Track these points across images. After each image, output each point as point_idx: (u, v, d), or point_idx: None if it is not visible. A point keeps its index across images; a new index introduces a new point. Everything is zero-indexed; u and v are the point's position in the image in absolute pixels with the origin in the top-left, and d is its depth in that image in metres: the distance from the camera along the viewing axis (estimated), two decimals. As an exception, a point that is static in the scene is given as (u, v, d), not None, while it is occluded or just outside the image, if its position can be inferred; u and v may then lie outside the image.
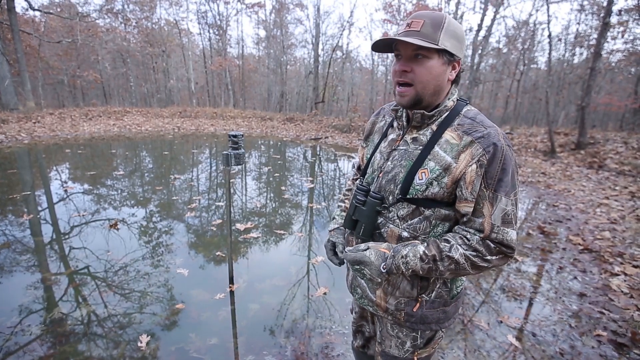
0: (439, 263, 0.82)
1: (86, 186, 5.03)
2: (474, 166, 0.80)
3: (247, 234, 3.52)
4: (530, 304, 2.50)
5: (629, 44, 15.01)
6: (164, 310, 2.26)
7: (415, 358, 1.02)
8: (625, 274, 2.89)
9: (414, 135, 0.92)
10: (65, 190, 4.75)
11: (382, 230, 0.94)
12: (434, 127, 0.89)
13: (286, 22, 22.36)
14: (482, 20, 12.89)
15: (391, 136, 0.99)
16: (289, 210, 4.46)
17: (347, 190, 1.24)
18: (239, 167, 6.38)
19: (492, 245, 0.81)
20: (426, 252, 0.83)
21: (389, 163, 0.94)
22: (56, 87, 23.39)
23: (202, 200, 4.65)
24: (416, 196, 0.87)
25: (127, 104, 23.27)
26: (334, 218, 1.22)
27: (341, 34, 19.63)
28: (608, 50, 15.42)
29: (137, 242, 3.26)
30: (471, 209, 0.82)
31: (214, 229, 3.64)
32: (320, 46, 19.45)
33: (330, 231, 1.18)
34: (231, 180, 5.82)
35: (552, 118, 10.25)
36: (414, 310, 0.95)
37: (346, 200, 1.22)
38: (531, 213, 4.73)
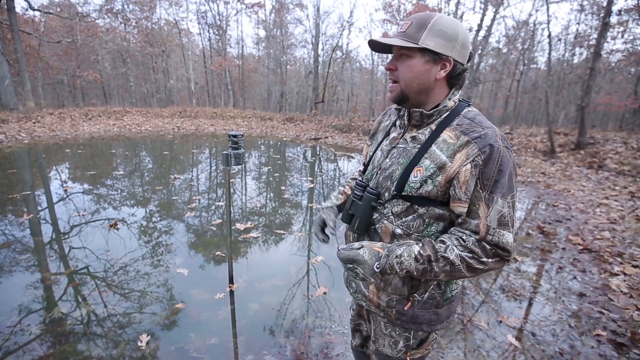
0: (433, 264, 0.81)
1: (86, 186, 5.03)
2: (469, 166, 0.80)
3: (247, 234, 3.52)
4: (530, 304, 2.50)
5: (628, 44, 15.05)
6: (163, 309, 2.26)
7: (408, 358, 1.02)
8: (625, 274, 2.89)
9: (413, 134, 0.92)
10: (65, 190, 4.75)
11: (377, 225, 0.95)
12: (433, 126, 0.89)
13: (286, 22, 22.38)
14: (482, 20, 12.90)
15: (393, 134, 1.01)
16: (288, 210, 4.46)
17: (352, 178, 1.26)
18: (239, 167, 6.38)
19: (488, 247, 0.79)
20: (421, 252, 0.82)
21: (387, 160, 0.96)
22: (56, 87, 23.38)
23: (202, 200, 4.65)
24: (410, 193, 0.87)
25: (127, 104, 23.28)
26: (329, 198, 1.22)
27: (341, 34, 19.66)
28: (608, 50, 15.44)
29: (136, 241, 3.26)
30: (465, 210, 0.82)
31: (214, 229, 3.64)
32: (320, 46, 19.48)
33: (323, 209, 1.18)
34: (231, 180, 5.82)
35: (551, 118, 10.25)
36: (405, 308, 0.95)
37: (347, 186, 1.23)
38: (531, 213, 4.73)
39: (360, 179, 1.03)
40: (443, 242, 0.83)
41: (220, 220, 3.86)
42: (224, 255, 3.02)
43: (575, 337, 2.13)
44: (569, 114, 19.27)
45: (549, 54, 11.14)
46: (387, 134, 1.04)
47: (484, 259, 0.80)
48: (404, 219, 0.90)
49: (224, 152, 2.21)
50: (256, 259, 3.06)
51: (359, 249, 0.88)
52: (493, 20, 13.20)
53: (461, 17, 15.23)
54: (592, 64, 8.67)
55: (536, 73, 21.61)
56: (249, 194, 5.17)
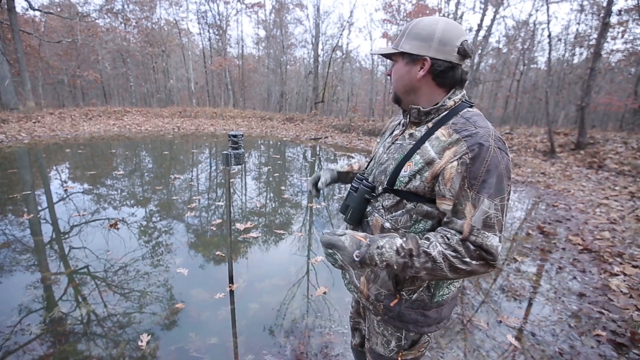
0: (414, 258, 0.80)
1: (86, 186, 5.03)
2: (455, 163, 0.80)
3: (246, 234, 3.52)
4: (530, 304, 2.50)
5: (628, 44, 15.03)
6: (163, 309, 2.26)
7: (400, 359, 1.03)
8: (625, 274, 2.89)
9: (411, 131, 0.95)
10: (65, 190, 4.75)
11: (369, 218, 0.98)
12: (430, 124, 0.91)
13: (286, 22, 22.37)
14: (482, 20, 12.90)
15: (395, 132, 1.04)
16: (288, 210, 4.46)
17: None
18: (239, 167, 6.38)
19: (472, 247, 0.78)
20: (403, 245, 0.81)
21: (384, 155, 1.00)
22: (56, 87, 23.39)
23: (202, 200, 4.66)
24: (400, 188, 0.89)
25: (127, 103, 23.28)
26: (335, 162, 1.28)
27: (341, 34, 19.65)
28: (608, 50, 15.43)
29: (137, 241, 3.26)
30: (450, 207, 0.81)
31: (214, 229, 3.64)
32: (320, 46, 19.48)
33: (325, 168, 1.26)
34: (231, 180, 5.82)
35: (551, 118, 10.26)
36: (391, 304, 0.96)
37: (356, 163, 1.30)
38: (531, 213, 4.73)
39: (361, 172, 1.08)
40: (428, 239, 0.82)
41: (220, 220, 3.86)
42: (224, 255, 3.02)
43: (575, 337, 2.13)
44: (569, 114, 19.27)
45: (549, 54, 11.14)
46: (392, 132, 1.08)
47: (467, 260, 0.77)
48: (393, 214, 0.92)
49: (224, 152, 2.22)
50: (256, 259, 3.06)
51: (342, 235, 0.87)
52: (493, 20, 13.20)
53: (461, 17, 15.23)
54: (592, 64, 8.67)
55: (536, 73, 21.60)
56: (249, 194, 5.17)
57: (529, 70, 19.60)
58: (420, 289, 0.93)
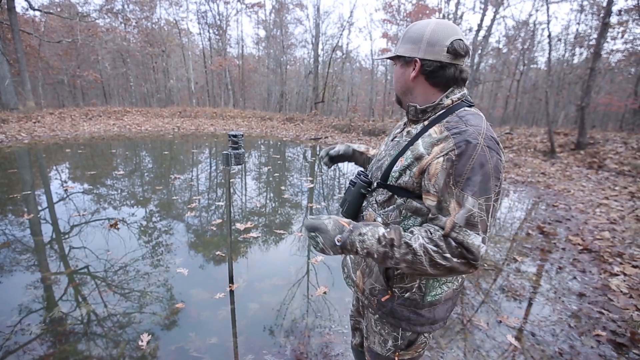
0: (395, 249, 0.80)
1: (86, 186, 5.03)
2: (441, 159, 0.80)
3: (246, 234, 3.52)
4: (530, 304, 2.50)
5: (628, 44, 15.03)
6: (163, 309, 2.26)
7: (397, 359, 1.03)
8: (625, 274, 2.89)
9: (409, 129, 0.97)
10: (65, 190, 4.75)
11: (364, 213, 1.01)
12: (426, 122, 0.92)
13: (286, 22, 22.37)
14: (482, 20, 12.91)
15: (397, 130, 1.06)
16: (288, 210, 4.46)
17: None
18: (239, 167, 6.38)
19: (453, 244, 0.77)
20: (385, 234, 0.81)
21: (383, 152, 1.03)
22: (56, 87, 23.38)
23: (202, 200, 4.66)
24: (392, 183, 0.91)
25: (127, 103, 23.28)
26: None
27: (341, 34, 19.65)
28: (608, 50, 15.42)
29: (137, 241, 3.27)
30: (434, 203, 0.82)
31: (214, 229, 3.64)
32: (320, 46, 19.48)
33: (342, 142, 1.29)
34: (231, 180, 5.83)
35: (551, 118, 10.26)
36: (383, 299, 0.98)
37: (371, 149, 1.32)
38: (531, 213, 4.73)
39: (363, 169, 1.12)
40: (412, 232, 0.83)
41: (220, 220, 3.86)
42: (224, 255, 3.03)
43: (575, 337, 2.13)
44: (569, 114, 19.26)
45: (549, 54, 11.14)
46: (396, 131, 1.11)
47: (448, 256, 0.77)
48: (385, 209, 0.94)
49: (224, 152, 2.22)
50: (256, 258, 3.06)
51: (326, 219, 0.89)
52: (493, 20, 13.21)
53: (461, 17, 15.22)
54: (592, 64, 8.67)
55: (536, 73, 21.59)
56: (249, 194, 5.18)
57: (529, 70, 19.60)
58: (413, 290, 0.94)
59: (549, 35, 10.50)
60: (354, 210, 1.02)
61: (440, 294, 0.96)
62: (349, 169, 7.26)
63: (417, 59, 0.89)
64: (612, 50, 15.87)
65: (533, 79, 21.03)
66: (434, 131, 0.86)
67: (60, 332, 2.00)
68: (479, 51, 14.11)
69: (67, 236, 3.33)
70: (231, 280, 2.55)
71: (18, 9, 15.67)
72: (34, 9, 14.77)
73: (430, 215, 0.84)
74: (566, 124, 17.76)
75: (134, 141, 9.56)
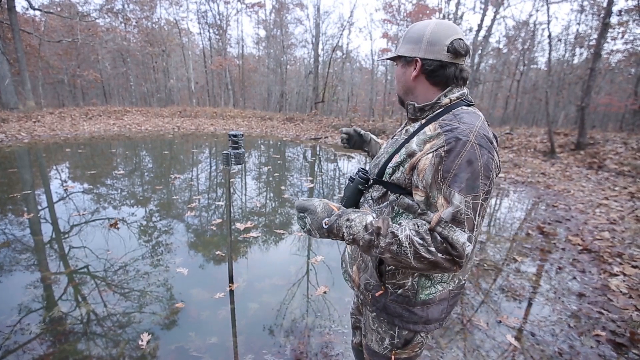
0: (381, 237, 0.80)
1: (86, 185, 5.03)
2: (430, 155, 0.80)
3: (246, 234, 3.52)
4: (530, 304, 2.50)
5: (629, 45, 15.04)
6: (163, 309, 2.26)
7: (393, 357, 1.04)
8: (624, 274, 2.90)
9: (408, 127, 0.99)
10: (65, 190, 4.75)
11: (361, 208, 1.02)
12: (424, 120, 0.93)
13: (286, 22, 22.37)
14: (482, 20, 12.92)
15: (399, 129, 1.07)
16: (288, 210, 4.46)
17: None
18: (239, 166, 6.39)
19: (439, 238, 0.77)
20: (373, 222, 0.82)
21: (382, 150, 1.05)
22: (56, 87, 23.38)
23: (201, 200, 4.66)
24: (386, 179, 0.93)
25: (127, 103, 23.28)
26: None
27: (341, 34, 19.66)
28: (608, 50, 15.43)
29: (136, 241, 3.27)
30: (422, 198, 0.83)
31: (214, 229, 3.64)
32: (320, 46, 19.49)
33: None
34: (231, 180, 5.83)
35: (551, 118, 10.26)
36: (377, 295, 0.99)
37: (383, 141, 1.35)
38: (531, 213, 4.73)
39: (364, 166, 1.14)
40: (400, 223, 0.83)
41: (220, 220, 3.86)
42: (223, 254, 3.03)
43: (575, 337, 2.13)
44: (569, 114, 19.26)
45: (549, 54, 11.14)
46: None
47: (432, 249, 0.76)
48: (380, 205, 0.96)
49: (224, 151, 2.22)
50: (256, 258, 3.06)
51: (317, 201, 0.90)
52: (493, 20, 13.22)
53: (461, 17, 15.22)
54: (592, 64, 8.67)
55: (536, 73, 21.59)
56: (249, 194, 5.17)
57: (529, 70, 19.60)
58: (406, 287, 0.95)
59: (549, 36, 10.50)
60: (351, 205, 1.03)
61: (434, 293, 0.95)
62: (349, 168, 7.27)
63: (418, 59, 0.90)
64: (612, 51, 15.89)
65: (533, 79, 21.04)
66: (429, 129, 0.87)
67: (60, 331, 2.00)
68: (479, 51, 14.12)
69: (67, 236, 3.33)
70: (231, 280, 2.55)
71: (18, 9, 15.67)
72: (34, 9, 14.78)
73: (419, 211, 0.85)
74: (566, 124, 17.77)
75: (134, 141, 9.56)
